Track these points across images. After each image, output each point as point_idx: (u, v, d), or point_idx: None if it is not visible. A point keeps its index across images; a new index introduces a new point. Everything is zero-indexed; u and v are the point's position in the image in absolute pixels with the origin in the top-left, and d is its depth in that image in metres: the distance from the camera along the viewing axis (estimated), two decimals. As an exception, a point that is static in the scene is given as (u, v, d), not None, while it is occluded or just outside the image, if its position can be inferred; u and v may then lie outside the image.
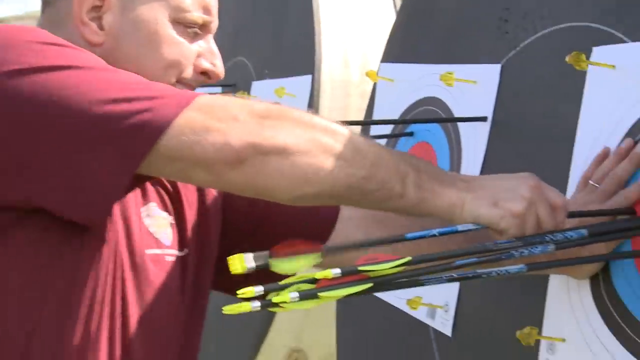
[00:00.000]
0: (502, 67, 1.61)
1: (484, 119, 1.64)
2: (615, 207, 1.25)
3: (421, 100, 1.86)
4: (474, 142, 1.66)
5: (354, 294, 1.01)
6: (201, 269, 1.34)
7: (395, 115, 1.93)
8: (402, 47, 2.01)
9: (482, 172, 1.63)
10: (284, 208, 1.40)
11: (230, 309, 0.96)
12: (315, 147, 1.10)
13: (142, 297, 1.23)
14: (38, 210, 1.11)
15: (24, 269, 1.14)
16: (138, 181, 1.21)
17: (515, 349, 1.41)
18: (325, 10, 2.64)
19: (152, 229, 1.27)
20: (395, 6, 2.73)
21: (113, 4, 1.23)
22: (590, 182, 1.31)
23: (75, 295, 1.15)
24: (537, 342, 1.39)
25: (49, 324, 1.14)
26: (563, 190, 1.39)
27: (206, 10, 1.27)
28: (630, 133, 1.29)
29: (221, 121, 1.08)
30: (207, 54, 1.27)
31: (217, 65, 1.28)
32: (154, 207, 1.29)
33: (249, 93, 2.83)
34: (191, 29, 1.26)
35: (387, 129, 1.95)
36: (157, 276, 1.25)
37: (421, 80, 1.87)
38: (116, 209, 1.21)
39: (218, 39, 3.27)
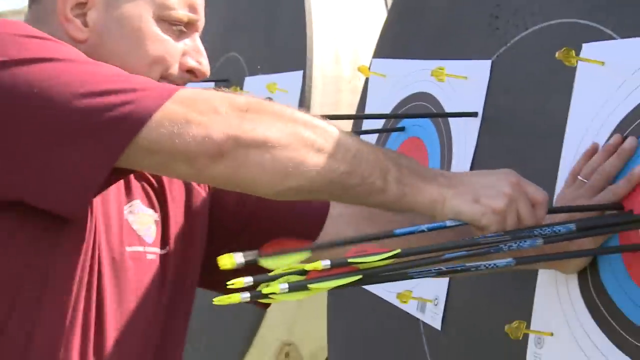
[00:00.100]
0: (493, 63, 1.62)
1: (474, 114, 1.64)
2: (603, 202, 1.25)
3: (412, 96, 1.87)
4: (465, 137, 1.66)
5: (343, 285, 1.01)
6: (184, 267, 1.33)
7: (387, 110, 1.94)
8: (394, 43, 2.01)
9: (472, 166, 1.63)
10: (273, 207, 1.40)
11: (220, 300, 0.96)
12: (297, 141, 1.09)
13: (120, 293, 1.22)
14: (16, 201, 1.10)
15: None
16: (120, 175, 1.20)
17: (504, 343, 1.41)
18: (316, 7, 2.64)
19: (135, 225, 1.26)
20: (386, 2, 2.73)
21: (97, 1, 1.22)
22: (579, 177, 1.32)
23: (49, 288, 1.14)
24: (526, 336, 1.39)
25: (21, 316, 1.13)
26: (552, 185, 1.39)
27: (192, 8, 1.26)
28: (618, 129, 1.29)
29: (202, 114, 1.08)
30: (192, 52, 1.27)
31: (202, 63, 1.28)
32: (138, 204, 1.28)
33: (241, 88, 2.83)
34: (176, 27, 1.25)
35: (379, 124, 1.96)
36: (136, 274, 1.24)
37: (412, 75, 1.87)
38: (97, 204, 1.20)
39: (211, 35, 3.27)
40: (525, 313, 1.40)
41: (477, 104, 1.64)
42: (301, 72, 2.57)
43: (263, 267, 1.03)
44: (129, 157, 1.08)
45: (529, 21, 1.54)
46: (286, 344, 2.67)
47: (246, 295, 0.96)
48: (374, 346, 1.91)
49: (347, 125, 2.15)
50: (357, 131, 2.03)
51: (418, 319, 1.72)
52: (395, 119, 1.90)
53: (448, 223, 1.15)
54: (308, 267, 1.00)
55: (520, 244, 1.16)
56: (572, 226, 1.19)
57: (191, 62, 1.27)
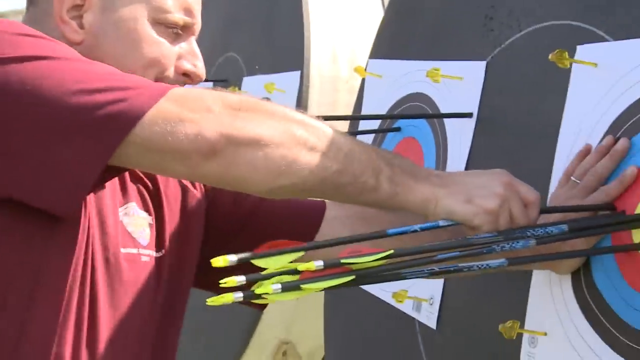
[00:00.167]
0: (488, 64, 1.62)
1: (469, 115, 1.64)
2: (596, 203, 1.26)
3: (408, 96, 1.87)
4: (460, 137, 1.67)
5: (336, 286, 1.02)
6: (179, 269, 1.33)
7: (383, 111, 1.94)
8: (390, 43, 2.01)
9: (467, 167, 1.63)
10: (269, 209, 1.41)
11: (213, 301, 0.96)
12: (289, 139, 1.10)
13: (113, 294, 1.22)
14: (9, 199, 1.10)
15: None
16: (113, 173, 1.20)
17: (499, 342, 1.41)
18: (314, 7, 2.64)
19: (130, 228, 1.27)
20: (383, 3, 2.73)
21: (94, 4, 1.22)
22: (572, 178, 1.32)
23: (41, 285, 1.14)
24: (520, 336, 1.39)
25: (13, 312, 1.13)
26: (546, 185, 1.40)
27: (188, 12, 1.26)
28: (611, 130, 1.30)
29: (195, 112, 1.08)
30: (188, 55, 1.27)
31: (198, 66, 1.28)
32: (133, 206, 1.28)
33: (240, 88, 2.83)
34: (172, 30, 1.25)
35: (375, 124, 1.96)
36: (130, 275, 1.24)
37: (408, 76, 1.87)
38: (92, 204, 1.20)
39: (210, 35, 3.27)
40: (519, 313, 1.41)
41: (472, 105, 1.64)
42: (299, 72, 2.58)
43: (257, 267, 1.03)
44: (122, 155, 1.08)
45: (523, 22, 1.54)
46: (284, 343, 2.68)
47: (239, 295, 0.97)
48: (371, 345, 1.92)
49: (344, 125, 2.16)
50: (354, 132, 2.03)
51: (414, 319, 1.72)
52: (391, 119, 1.90)
53: (441, 223, 1.15)
54: (301, 267, 1.00)
55: (513, 245, 1.16)
56: (565, 227, 1.20)
57: (187, 65, 1.27)
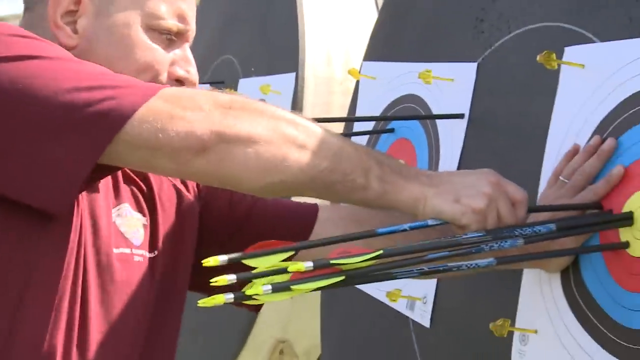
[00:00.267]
0: (478, 65, 1.63)
1: (460, 115, 1.65)
2: (584, 202, 1.27)
3: (401, 98, 1.88)
4: (452, 138, 1.68)
5: (326, 286, 1.02)
6: (173, 270, 1.34)
7: (377, 112, 1.95)
8: (384, 45, 2.02)
9: (459, 167, 1.64)
10: (262, 211, 1.41)
11: (204, 302, 0.97)
12: (279, 138, 1.10)
13: (105, 294, 1.23)
14: (0, 196, 1.10)
15: None
16: (105, 172, 1.20)
17: (491, 340, 1.42)
18: (309, 10, 2.65)
19: (123, 228, 1.27)
20: (377, 5, 2.74)
21: (88, 9, 1.23)
22: (561, 177, 1.33)
23: (32, 284, 1.15)
24: (511, 334, 1.40)
25: (3, 311, 1.13)
26: (535, 184, 1.41)
27: (181, 18, 1.27)
28: (598, 130, 1.31)
29: (186, 110, 1.08)
30: (181, 61, 1.27)
31: (191, 72, 1.28)
32: (126, 207, 1.29)
33: (236, 90, 2.84)
34: (166, 36, 1.25)
35: (369, 126, 1.97)
36: (123, 275, 1.25)
37: (401, 78, 1.88)
38: (84, 205, 1.20)
39: (206, 38, 3.27)
40: (510, 311, 1.41)
41: (463, 106, 1.65)
42: (294, 73, 2.58)
43: (250, 269, 1.04)
44: (113, 152, 1.08)
45: (513, 24, 1.55)
46: (280, 342, 2.69)
47: (230, 297, 0.97)
48: (366, 343, 1.92)
49: (339, 127, 2.16)
50: (348, 133, 2.04)
51: (408, 317, 1.73)
52: (384, 120, 1.91)
53: (429, 222, 1.16)
54: (291, 268, 1.01)
55: (501, 244, 1.17)
56: (553, 226, 1.21)
57: (180, 72, 1.27)
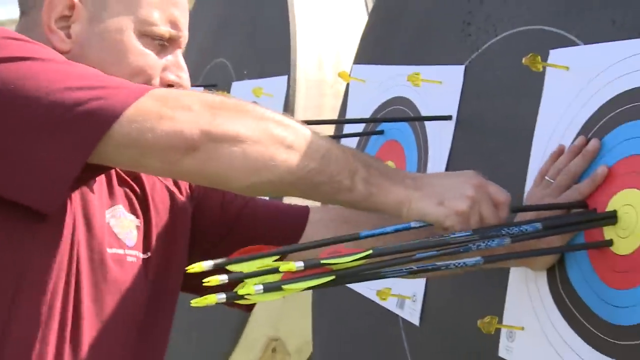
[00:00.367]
0: (466, 68, 1.63)
1: (448, 117, 1.65)
2: (569, 201, 1.27)
3: (391, 100, 1.88)
4: (440, 139, 1.68)
5: (316, 286, 1.02)
6: (165, 271, 1.33)
7: (367, 114, 1.95)
8: (373, 49, 2.02)
9: (448, 167, 1.64)
10: (254, 213, 1.41)
11: (197, 302, 0.96)
12: (267, 138, 1.10)
13: (98, 294, 1.22)
14: None
15: None
16: (95, 172, 1.19)
17: (479, 337, 1.42)
18: (300, 15, 2.65)
19: (116, 229, 1.27)
20: (367, 8, 2.74)
21: (82, 15, 1.23)
22: (546, 177, 1.33)
23: (25, 283, 1.14)
24: (498, 331, 1.40)
25: None
26: (521, 184, 1.41)
27: (174, 25, 1.26)
28: (583, 131, 1.31)
29: (174, 110, 1.08)
30: (173, 67, 1.26)
31: (182, 77, 1.27)
32: (120, 209, 1.29)
33: (229, 93, 2.84)
34: (158, 42, 1.25)
35: (359, 128, 1.97)
36: (116, 275, 1.24)
37: (391, 80, 1.88)
38: (77, 206, 1.20)
39: (200, 42, 3.26)
40: (497, 309, 1.42)
41: (451, 108, 1.65)
42: (286, 77, 2.59)
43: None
44: (102, 152, 1.08)
45: (499, 27, 1.55)
46: (273, 340, 2.68)
47: (222, 297, 0.97)
48: (357, 341, 1.92)
49: (330, 129, 2.16)
50: (339, 135, 2.04)
51: (397, 315, 1.73)
52: (374, 122, 1.91)
53: (413, 224, 1.16)
54: (282, 268, 1.00)
55: (489, 243, 1.17)
56: (539, 225, 1.21)
57: (171, 77, 1.26)
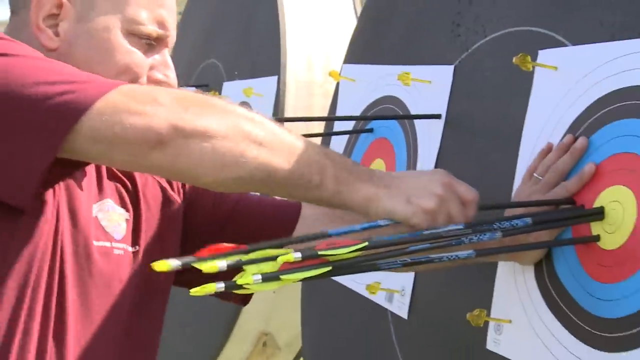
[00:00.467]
0: (455, 68, 1.63)
1: (438, 116, 1.65)
2: (557, 198, 1.27)
3: (380, 99, 1.88)
4: (429, 137, 1.68)
5: (313, 276, 1.02)
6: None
7: (357, 113, 1.95)
8: (363, 49, 2.02)
9: (437, 165, 1.64)
10: (247, 210, 1.40)
11: (197, 291, 0.95)
12: (237, 133, 1.08)
13: (83, 286, 1.20)
14: None
15: None
16: (71, 167, 1.17)
17: (467, 330, 1.42)
18: (290, 16, 2.65)
19: (104, 222, 1.25)
20: (355, 12, 2.75)
21: (69, 14, 1.21)
22: (535, 174, 1.33)
23: (5, 277, 1.12)
24: (486, 323, 1.40)
25: None
26: (510, 182, 1.41)
27: (161, 24, 1.25)
28: (571, 129, 1.31)
29: (144, 104, 1.06)
30: (160, 66, 1.25)
31: (170, 76, 1.26)
32: (109, 202, 1.27)
33: (220, 93, 2.83)
34: (145, 41, 1.23)
35: (349, 126, 1.96)
36: (102, 267, 1.23)
37: (380, 80, 1.88)
38: (62, 199, 1.18)
39: (192, 43, 3.25)
40: (485, 302, 1.42)
41: (440, 107, 1.65)
42: (276, 77, 2.58)
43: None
44: (71, 146, 1.06)
45: (488, 28, 1.55)
46: (264, 334, 2.68)
47: (221, 285, 0.96)
48: (346, 335, 1.92)
49: (320, 127, 2.16)
50: (328, 133, 2.04)
51: (386, 309, 1.72)
52: (364, 120, 1.91)
53: (380, 222, 1.15)
54: (281, 258, 1.00)
55: (480, 237, 1.17)
56: (529, 220, 1.21)
57: (158, 75, 1.25)
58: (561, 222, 1.25)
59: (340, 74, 2.02)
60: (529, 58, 1.36)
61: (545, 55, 1.38)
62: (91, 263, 1.22)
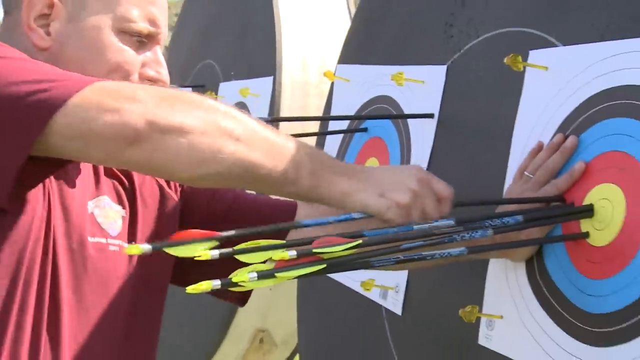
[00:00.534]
0: (448, 68, 1.63)
1: (431, 115, 1.66)
2: (548, 195, 1.27)
3: (374, 99, 1.88)
4: (422, 136, 1.68)
5: (308, 274, 1.02)
6: (152, 263, 1.30)
7: (351, 112, 1.95)
8: (357, 50, 2.02)
9: (429, 164, 1.65)
10: (242, 209, 1.39)
11: (193, 289, 0.95)
12: (214, 129, 1.06)
13: (77, 280, 1.20)
14: None
15: None
16: (53, 166, 1.15)
17: (459, 326, 1.43)
18: (285, 18, 2.65)
19: (100, 219, 1.24)
20: (350, 13, 2.75)
21: (61, 13, 1.21)
22: (526, 173, 1.34)
23: None
24: (478, 319, 1.41)
25: None
26: (501, 180, 1.41)
27: (152, 22, 1.24)
28: (561, 128, 1.32)
29: (119, 101, 1.04)
30: (152, 63, 1.24)
31: (161, 73, 1.25)
32: (105, 199, 1.26)
33: (216, 93, 2.83)
34: (136, 39, 1.23)
35: (343, 125, 1.97)
36: (97, 263, 1.22)
37: (374, 80, 1.88)
38: (54, 196, 1.18)
39: (188, 43, 3.24)
40: (477, 298, 1.42)
41: (433, 106, 1.66)
42: (271, 77, 2.58)
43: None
44: (47, 143, 1.04)
45: (481, 29, 1.56)
46: (260, 331, 2.68)
47: (217, 283, 0.96)
48: (341, 331, 1.92)
49: (315, 126, 2.16)
50: (323, 132, 2.04)
51: (381, 306, 1.73)
52: (358, 120, 1.91)
53: (355, 215, 1.14)
54: (275, 257, 1.00)
55: (472, 234, 1.17)
56: (520, 217, 1.21)
57: (150, 72, 1.24)
58: (551, 220, 1.26)
59: (334, 74, 2.02)
60: (519, 58, 1.36)
61: (535, 56, 1.38)
62: (86, 259, 1.21)
